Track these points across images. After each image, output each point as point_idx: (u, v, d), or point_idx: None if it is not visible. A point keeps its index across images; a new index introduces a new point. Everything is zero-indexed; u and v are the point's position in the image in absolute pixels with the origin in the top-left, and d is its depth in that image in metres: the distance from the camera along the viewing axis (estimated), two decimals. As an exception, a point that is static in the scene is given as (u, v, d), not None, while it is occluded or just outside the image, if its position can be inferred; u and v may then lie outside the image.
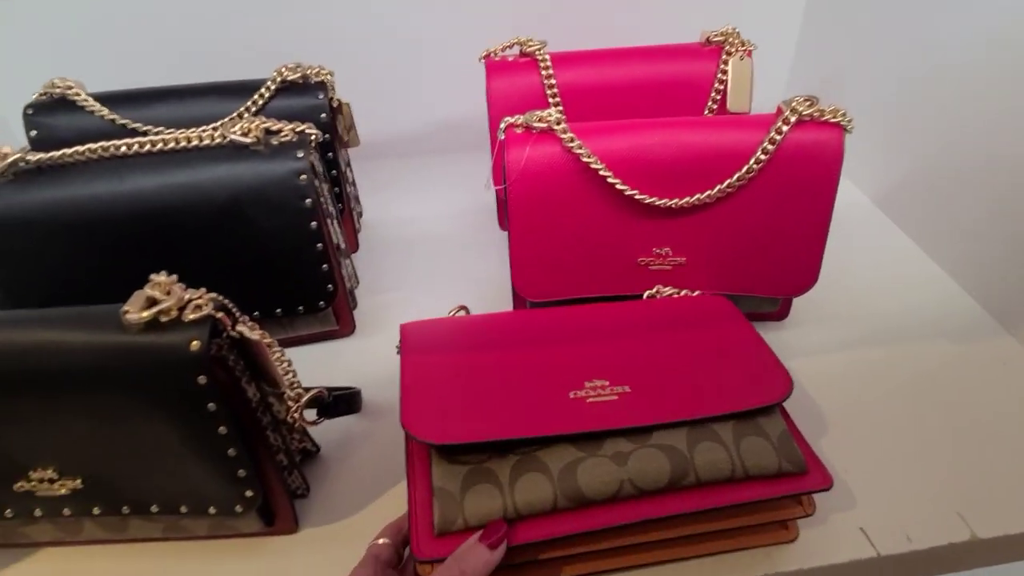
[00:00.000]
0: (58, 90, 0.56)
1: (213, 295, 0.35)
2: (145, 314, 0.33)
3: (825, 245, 0.51)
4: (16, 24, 0.73)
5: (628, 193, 0.49)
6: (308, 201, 0.49)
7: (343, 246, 0.59)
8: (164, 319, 0.33)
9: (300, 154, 0.49)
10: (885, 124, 0.71)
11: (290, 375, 0.42)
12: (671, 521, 0.38)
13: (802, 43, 0.85)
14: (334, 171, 0.61)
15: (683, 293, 0.52)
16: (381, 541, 0.39)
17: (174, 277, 0.35)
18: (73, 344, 0.33)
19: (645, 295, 0.52)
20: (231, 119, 0.55)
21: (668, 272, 0.53)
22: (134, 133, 0.56)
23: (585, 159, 0.48)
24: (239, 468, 0.37)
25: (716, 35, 0.61)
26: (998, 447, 0.47)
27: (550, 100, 0.61)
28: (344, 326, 0.58)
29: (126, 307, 0.33)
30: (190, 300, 0.34)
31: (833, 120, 0.48)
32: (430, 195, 0.79)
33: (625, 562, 0.39)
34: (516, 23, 0.70)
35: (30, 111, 0.56)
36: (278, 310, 0.53)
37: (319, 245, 0.51)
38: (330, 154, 0.60)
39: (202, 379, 0.33)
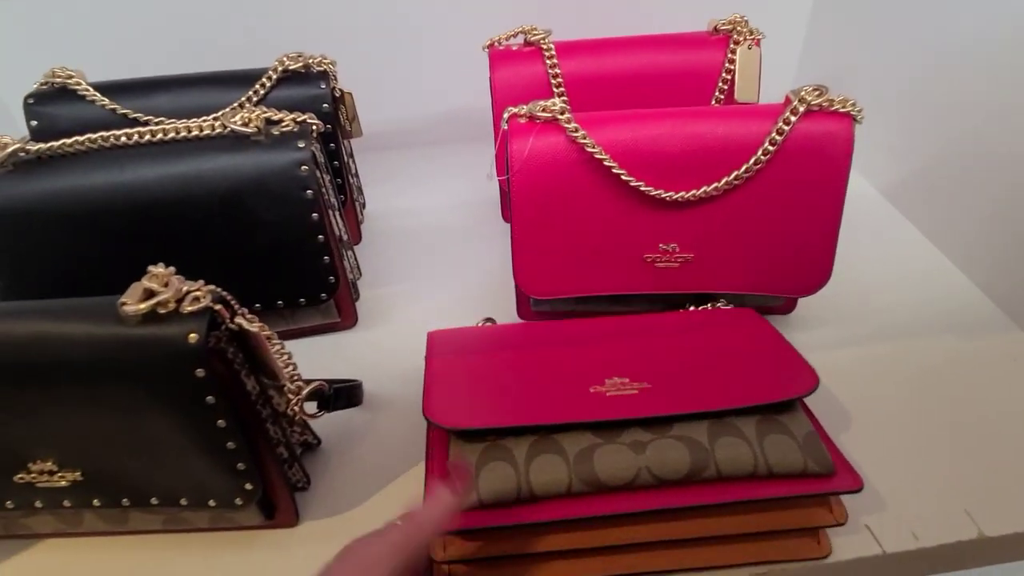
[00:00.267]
0: (59, 80, 0.56)
1: (212, 287, 0.34)
2: (142, 306, 0.32)
3: (837, 240, 0.50)
4: (17, 13, 0.72)
5: (633, 185, 0.48)
6: (309, 192, 0.48)
7: (345, 237, 0.58)
8: (162, 311, 0.33)
9: (301, 144, 0.48)
10: (895, 115, 0.70)
11: (290, 368, 0.41)
12: (691, 516, 0.37)
13: (811, 32, 0.84)
14: (336, 162, 0.61)
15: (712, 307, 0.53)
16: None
17: (172, 269, 0.34)
18: (71, 336, 0.33)
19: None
20: (232, 109, 0.54)
21: (675, 269, 0.52)
22: (135, 123, 0.55)
23: (590, 149, 0.47)
24: (238, 461, 0.37)
25: (724, 24, 0.60)
26: (1008, 444, 0.47)
27: (555, 90, 0.60)
28: (346, 318, 0.58)
29: (123, 299, 0.32)
30: (188, 292, 0.33)
31: (843, 110, 0.47)
32: (434, 186, 0.79)
33: (648, 566, 0.38)
34: (520, 12, 0.69)
35: (31, 101, 0.56)
36: (280, 302, 0.52)
37: (320, 237, 0.50)
38: (332, 145, 0.60)
39: (200, 372, 0.33)
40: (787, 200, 0.49)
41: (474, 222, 0.72)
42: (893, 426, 0.48)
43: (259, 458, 0.39)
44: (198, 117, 0.52)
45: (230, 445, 0.36)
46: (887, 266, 0.64)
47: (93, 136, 0.47)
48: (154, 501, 0.39)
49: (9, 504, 0.39)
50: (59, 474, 0.38)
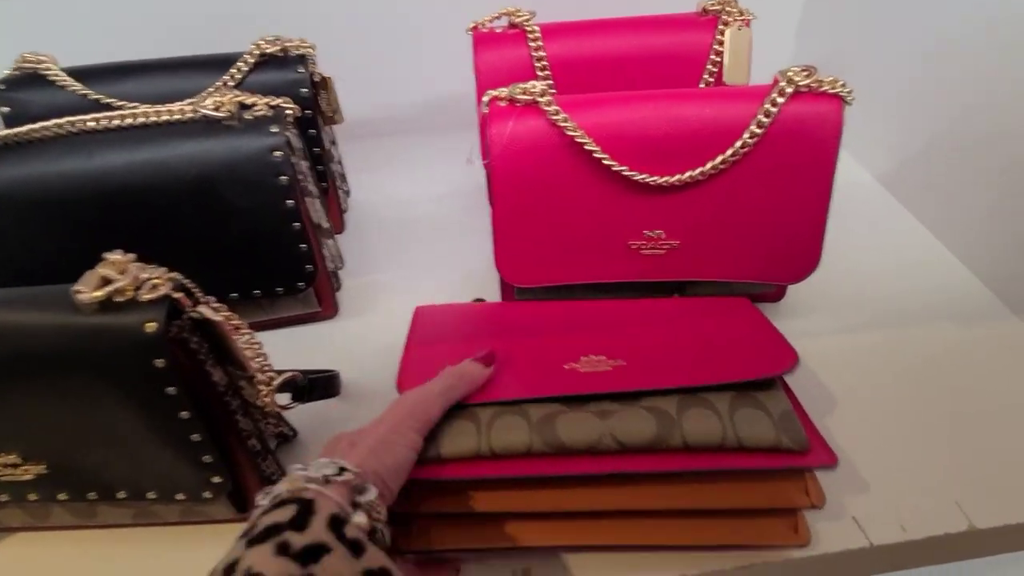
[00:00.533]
0: (29, 65, 0.54)
1: (172, 275, 0.33)
2: (97, 294, 0.31)
3: (826, 226, 0.49)
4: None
5: (616, 169, 0.47)
6: (283, 178, 0.47)
7: (325, 226, 0.57)
8: (119, 299, 0.32)
9: (275, 129, 0.47)
10: (893, 100, 0.68)
11: (261, 358, 0.40)
12: (657, 485, 0.37)
13: (807, 14, 0.82)
14: (317, 148, 0.60)
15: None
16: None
17: (131, 256, 0.33)
18: (27, 326, 0.32)
19: None
20: (206, 93, 0.53)
21: (661, 257, 0.51)
22: (109, 108, 0.54)
23: (571, 133, 0.46)
24: (204, 454, 0.36)
25: (713, 4, 0.58)
26: (1001, 434, 0.45)
27: (539, 73, 0.58)
28: (326, 308, 0.57)
29: (77, 286, 0.31)
30: (147, 280, 0.32)
31: (832, 91, 0.45)
32: (421, 174, 0.77)
33: (616, 538, 0.38)
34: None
35: (2, 87, 0.55)
36: (256, 291, 0.51)
37: (296, 224, 0.49)
38: (312, 131, 0.59)
39: (159, 362, 0.32)
40: (775, 184, 0.47)
41: (461, 210, 0.70)
42: (884, 415, 0.47)
43: (228, 451, 0.38)
44: (172, 102, 0.51)
45: (195, 437, 0.35)
46: (882, 254, 0.62)
47: (60, 121, 0.46)
48: (121, 495, 0.38)
49: (-26, 498, 0.38)
50: (23, 467, 0.37)
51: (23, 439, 0.36)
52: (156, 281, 0.32)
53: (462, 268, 0.63)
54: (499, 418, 0.37)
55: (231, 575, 0.25)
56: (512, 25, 0.59)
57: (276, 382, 0.40)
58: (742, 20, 0.58)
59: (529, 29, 0.58)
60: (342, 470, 0.30)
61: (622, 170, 0.47)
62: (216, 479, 0.37)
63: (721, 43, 0.58)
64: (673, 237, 0.50)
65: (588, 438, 0.36)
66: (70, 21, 0.72)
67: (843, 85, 0.45)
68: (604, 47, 0.59)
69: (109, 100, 0.54)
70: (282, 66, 0.56)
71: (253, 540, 0.26)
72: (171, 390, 0.33)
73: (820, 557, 0.39)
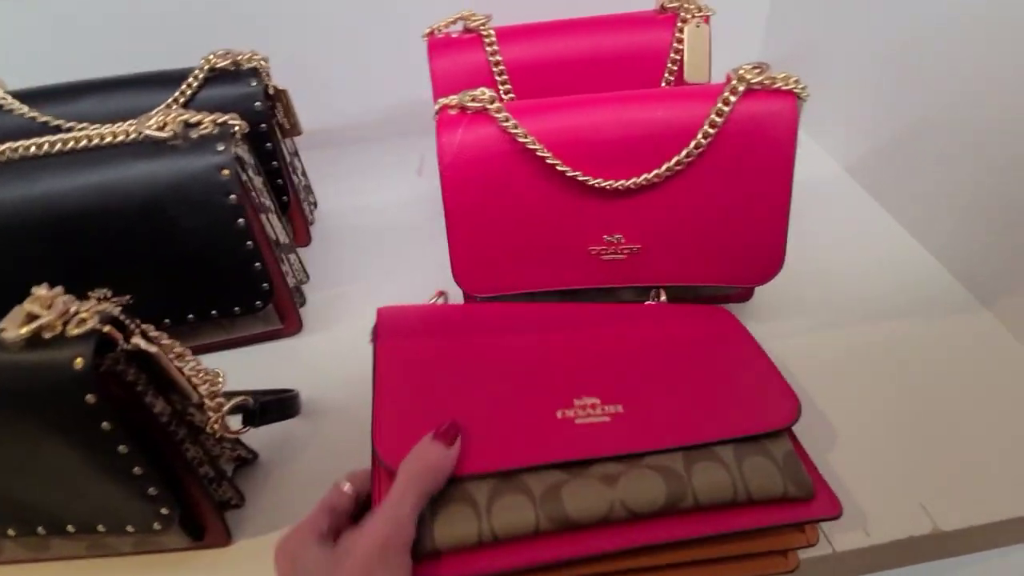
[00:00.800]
0: (-25, 89, 0.54)
1: (102, 307, 0.33)
2: (23, 331, 0.30)
3: (787, 226, 0.48)
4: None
5: (571, 175, 0.46)
6: (233, 197, 0.46)
7: (285, 241, 0.56)
8: (48, 335, 0.31)
9: (221, 147, 0.46)
10: (861, 89, 0.68)
11: (208, 384, 0.40)
12: (668, 547, 0.34)
13: (775, 6, 0.81)
14: (275, 162, 0.59)
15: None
16: (346, 488, 0.35)
17: (58, 289, 0.32)
18: (-46, 364, 0.31)
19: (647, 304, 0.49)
20: (152, 113, 0.52)
21: (623, 261, 0.50)
22: (58, 130, 0.53)
23: (522, 140, 0.45)
24: (148, 486, 0.35)
25: (671, 1, 0.57)
26: (967, 433, 0.45)
27: (497, 78, 0.57)
28: (289, 325, 0.56)
29: (2, 324, 0.31)
30: (75, 313, 0.31)
31: (786, 88, 0.44)
32: (388, 181, 0.76)
33: None
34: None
35: (-52, 113, 0.54)
36: (213, 312, 0.51)
37: (249, 243, 0.48)
38: (269, 144, 0.58)
39: (91, 398, 0.31)
40: (733, 184, 0.47)
41: (429, 216, 0.69)
42: (848, 417, 0.47)
43: (177, 480, 0.38)
44: (123, 121, 0.50)
45: (136, 471, 0.34)
46: (851, 247, 0.61)
47: (1, 147, 0.45)
48: (71, 528, 0.38)
49: (-79, 537, 0.37)
50: (-32, 505, 0.36)
51: (-34, 477, 0.35)
52: (83, 315, 0.31)
53: (432, 276, 0.62)
54: (499, 497, 0.33)
55: None
56: (467, 29, 0.58)
57: (225, 408, 0.40)
58: (701, 16, 0.57)
59: (485, 33, 0.57)
60: None
61: (576, 175, 0.46)
62: (164, 511, 0.36)
63: (681, 40, 0.57)
64: (633, 241, 0.49)
65: (598, 510, 0.33)
66: (15, 44, 0.71)
67: (796, 81, 0.44)
68: (563, 49, 0.58)
69: (58, 122, 0.53)
70: (234, 80, 0.55)
71: None
72: (106, 425, 0.32)
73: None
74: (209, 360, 0.54)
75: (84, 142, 0.46)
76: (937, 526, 0.40)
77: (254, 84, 0.56)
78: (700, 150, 0.45)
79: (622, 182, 0.47)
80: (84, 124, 0.53)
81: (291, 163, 0.64)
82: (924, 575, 0.43)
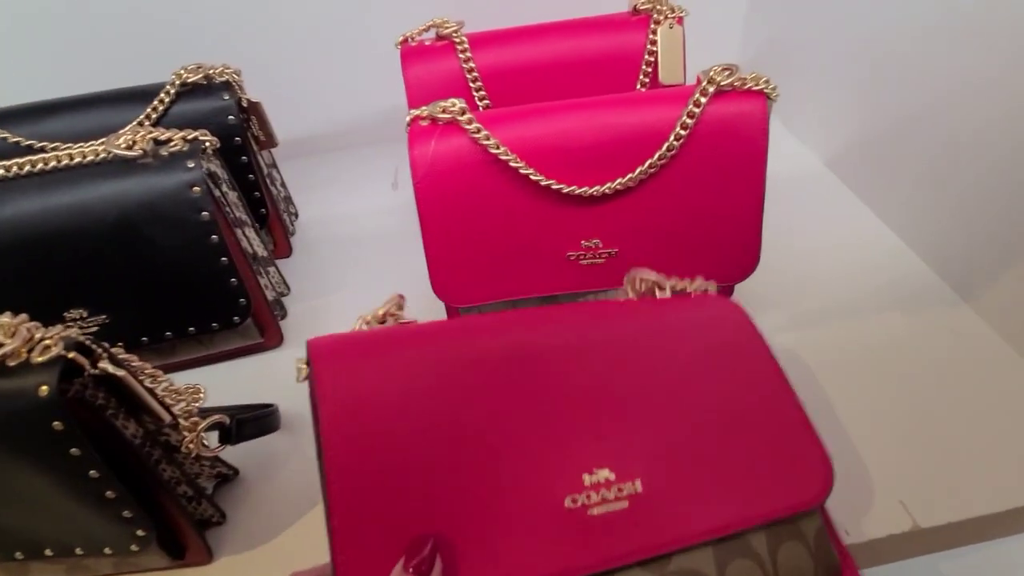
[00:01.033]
0: (-55, 112, 0.53)
1: (67, 333, 0.32)
2: (-13, 360, 0.30)
3: (762, 222, 0.48)
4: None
5: (545, 183, 0.46)
6: (205, 214, 0.46)
7: (263, 254, 0.56)
8: (12, 363, 0.31)
9: (191, 164, 0.46)
10: (839, 85, 0.68)
11: (183, 403, 0.40)
12: None
13: (753, 4, 0.81)
14: (251, 175, 0.58)
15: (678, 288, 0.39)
16: None
17: (23, 316, 0.32)
18: (-80, 395, 0.31)
19: (630, 292, 0.39)
20: (121, 132, 0.51)
21: (601, 265, 0.50)
22: (29, 150, 0.53)
23: (493, 150, 0.45)
24: (123, 509, 0.35)
25: (643, 3, 0.57)
26: (948, 428, 0.45)
27: (471, 85, 0.57)
28: (270, 338, 0.56)
29: (-35, 353, 0.30)
30: (40, 340, 0.31)
31: (756, 88, 0.44)
32: (368, 189, 0.76)
33: None
34: (435, 2, 0.66)
35: (-82, 136, 0.53)
36: (191, 328, 0.50)
37: (224, 259, 0.48)
38: (244, 158, 0.57)
39: (58, 424, 0.31)
40: (706, 185, 0.47)
41: (409, 223, 0.69)
42: (824, 413, 0.47)
43: (153, 501, 0.37)
44: (95, 140, 0.50)
45: (109, 494, 0.34)
46: (830, 241, 0.61)
47: (-31, 171, 0.45)
48: (48, 552, 0.38)
49: None
50: (-57, 533, 0.36)
51: (-61, 505, 0.35)
52: (48, 342, 0.31)
53: (414, 284, 0.61)
54: None
55: None
56: (440, 37, 0.58)
57: (200, 427, 0.39)
58: (674, 17, 0.56)
59: (457, 40, 0.57)
60: None
61: (550, 184, 0.46)
62: (140, 532, 0.36)
63: (654, 42, 0.57)
64: (611, 245, 0.49)
65: None
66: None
67: (767, 82, 0.44)
68: (536, 53, 0.58)
69: (29, 142, 0.53)
70: (207, 94, 0.55)
71: None
72: (75, 451, 0.32)
73: (763, 568, 0.39)
74: (190, 376, 0.54)
75: (53, 163, 0.45)
76: (917, 523, 0.40)
77: (227, 97, 0.55)
78: (672, 152, 0.45)
79: (596, 188, 0.47)
80: (56, 144, 0.53)
81: (268, 175, 0.64)
82: (905, 573, 0.43)
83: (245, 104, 0.57)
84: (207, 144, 0.47)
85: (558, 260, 0.50)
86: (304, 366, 0.31)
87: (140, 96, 0.55)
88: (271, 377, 0.55)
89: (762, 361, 0.36)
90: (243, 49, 0.70)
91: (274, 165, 0.66)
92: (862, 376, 0.49)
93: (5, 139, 0.53)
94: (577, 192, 0.47)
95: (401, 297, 0.36)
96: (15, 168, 0.45)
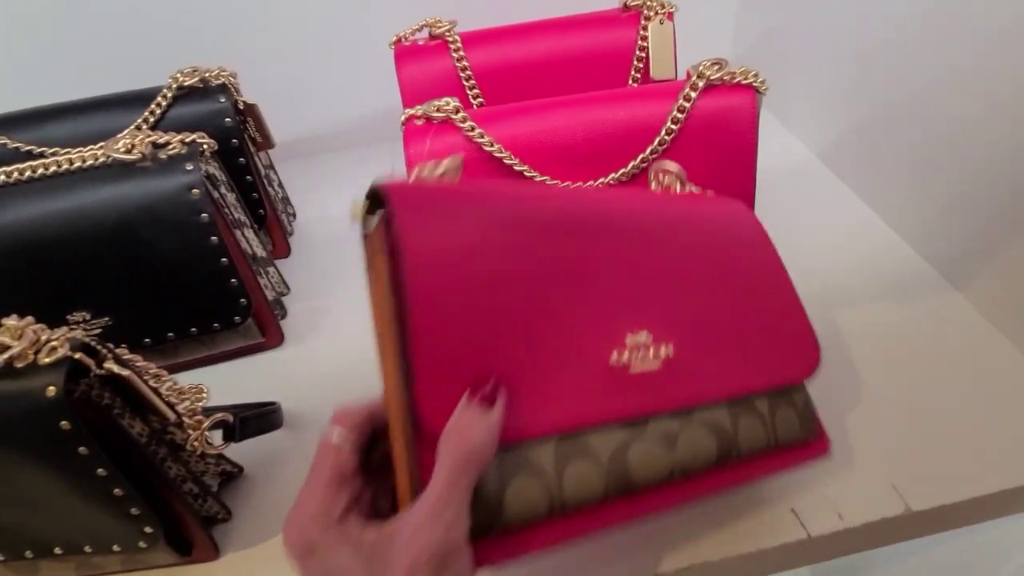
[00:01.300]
0: (-57, 119, 0.54)
1: (73, 334, 0.33)
2: (-5, 362, 0.31)
3: (753, 211, 0.49)
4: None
5: (539, 180, 0.47)
6: (204, 216, 0.47)
7: (262, 254, 0.57)
8: (20, 364, 0.32)
9: (189, 167, 0.46)
10: (831, 77, 0.68)
11: (187, 402, 0.40)
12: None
13: (743, 0, 0.82)
14: (249, 177, 0.59)
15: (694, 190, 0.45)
16: (337, 440, 0.29)
17: (29, 319, 0.33)
18: (-71, 397, 0.32)
19: (652, 184, 0.45)
20: (120, 136, 0.52)
21: None
22: (28, 156, 0.53)
23: (488, 148, 0.46)
24: (130, 506, 0.36)
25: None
26: (939, 413, 0.46)
27: (464, 83, 0.58)
28: (271, 338, 0.56)
29: (-27, 356, 0.31)
30: (46, 342, 0.32)
31: (745, 82, 0.45)
32: (366, 189, 0.76)
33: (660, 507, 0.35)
34: (429, 2, 0.66)
35: (-83, 144, 0.54)
36: (193, 329, 0.51)
37: (224, 259, 0.49)
38: (242, 159, 0.58)
39: (65, 424, 0.32)
40: (697, 179, 0.47)
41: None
42: (816, 398, 0.47)
43: (160, 499, 0.38)
44: (93, 145, 0.50)
45: (117, 492, 0.35)
46: (822, 231, 0.62)
47: (-31, 178, 0.45)
48: (58, 551, 0.38)
49: (-91, 566, 0.38)
50: (-46, 533, 0.37)
51: (-54, 506, 0.36)
52: (54, 343, 0.32)
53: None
54: (568, 464, 0.31)
55: None
56: (433, 36, 0.59)
57: (205, 425, 0.40)
58: (664, 13, 0.57)
59: (450, 39, 0.58)
60: None
61: (544, 180, 0.47)
62: (148, 529, 0.37)
63: (645, 38, 0.57)
64: None
65: (660, 475, 0.33)
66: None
67: (756, 75, 0.45)
68: (529, 52, 0.58)
69: (29, 147, 0.54)
70: (203, 97, 0.56)
71: None
72: (83, 450, 0.33)
73: (758, 553, 0.39)
74: (192, 376, 0.55)
75: (53, 168, 0.46)
76: (909, 507, 0.40)
77: (223, 100, 0.56)
78: (664, 147, 0.46)
79: (589, 183, 0.47)
80: (55, 149, 0.54)
81: (266, 176, 0.64)
82: (898, 555, 0.44)
83: (241, 106, 0.58)
84: (205, 146, 0.48)
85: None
86: (360, 209, 0.31)
87: (137, 100, 0.56)
88: (273, 376, 0.55)
89: (769, 254, 0.42)
90: (240, 51, 0.71)
91: (271, 166, 0.67)
92: (854, 364, 0.50)
93: (5, 145, 0.53)
94: (569, 187, 0.47)
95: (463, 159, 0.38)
96: (15, 174, 0.46)
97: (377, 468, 0.31)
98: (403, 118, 0.47)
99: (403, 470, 0.29)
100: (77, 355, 0.32)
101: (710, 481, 0.35)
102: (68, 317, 0.48)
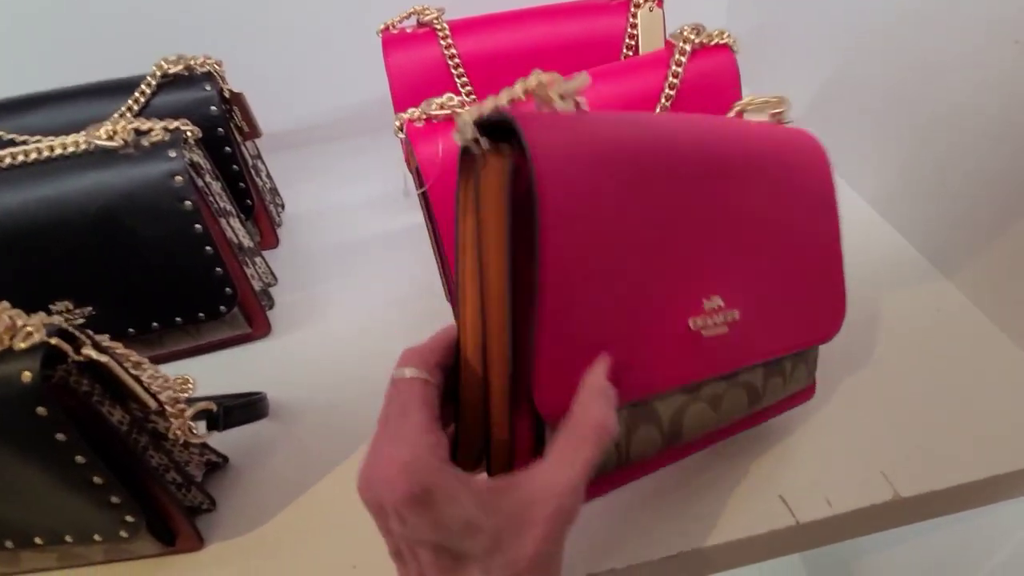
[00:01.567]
0: (-76, 107, 0.53)
1: (51, 319, 0.32)
2: (-32, 348, 0.30)
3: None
4: None
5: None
6: (188, 203, 0.46)
7: (248, 244, 0.56)
8: (-5, 350, 0.31)
9: (173, 154, 0.46)
10: (821, 65, 0.68)
11: (170, 390, 0.40)
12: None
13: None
14: (235, 166, 0.58)
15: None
16: (420, 375, 0.27)
17: (4, 304, 0.32)
18: (-97, 384, 0.31)
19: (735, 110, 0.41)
20: (101, 123, 0.51)
21: None
22: (11, 144, 0.52)
23: (501, 138, 0.45)
24: (110, 495, 0.35)
25: (623, -14, 0.57)
26: (928, 400, 0.46)
27: (453, 71, 0.57)
28: (258, 328, 0.56)
29: (-52, 341, 0.30)
30: (22, 327, 0.31)
31: (722, 42, 0.47)
32: (353, 180, 0.76)
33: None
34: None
35: (-101, 132, 0.53)
36: (178, 319, 0.50)
37: (208, 248, 0.48)
38: (228, 148, 0.57)
39: (42, 410, 0.31)
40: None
41: (395, 214, 0.70)
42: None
43: (142, 487, 0.38)
44: (76, 133, 0.50)
45: (96, 480, 0.34)
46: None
47: (-51, 165, 0.44)
48: (38, 541, 0.38)
49: None
50: (-68, 523, 0.36)
51: (-73, 496, 0.35)
52: (30, 328, 0.31)
53: (400, 273, 0.62)
54: (635, 429, 0.32)
55: None
56: (421, 24, 0.58)
57: (187, 414, 0.40)
58: (654, 1, 0.57)
59: (438, 27, 0.57)
60: None
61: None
62: (129, 518, 0.37)
63: (635, 26, 0.57)
64: None
65: (702, 431, 0.36)
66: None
67: (728, 35, 0.46)
68: (517, 39, 0.58)
69: (11, 136, 0.53)
70: (188, 85, 0.55)
71: None
72: (61, 436, 0.32)
73: (747, 540, 0.39)
74: (179, 367, 0.55)
75: (34, 155, 0.45)
76: (897, 493, 0.40)
77: (208, 88, 0.55)
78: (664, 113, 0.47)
79: None
80: (38, 137, 0.53)
81: (253, 166, 0.64)
82: (888, 544, 0.44)
83: (227, 95, 0.57)
84: (188, 134, 0.47)
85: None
86: (468, 128, 0.26)
87: (121, 88, 0.55)
88: (260, 366, 0.55)
89: (832, 212, 0.40)
90: (226, 40, 0.70)
91: (259, 156, 0.66)
92: (843, 351, 0.49)
93: (-13, 133, 0.53)
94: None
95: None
96: (-4, 161, 0.45)
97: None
98: (398, 123, 0.46)
99: (502, 431, 0.28)
100: (53, 340, 0.32)
101: (729, 431, 0.38)
102: (50, 307, 0.48)
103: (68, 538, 0.38)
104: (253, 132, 0.60)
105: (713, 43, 0.47)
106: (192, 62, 0.55)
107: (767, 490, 0.41)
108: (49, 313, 0.47)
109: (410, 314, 0.57)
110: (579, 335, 0.27)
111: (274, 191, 0.69)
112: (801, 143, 0.40)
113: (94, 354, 0.33)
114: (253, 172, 0.63)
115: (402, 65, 0.57)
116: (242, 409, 0.44)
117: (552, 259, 0.26)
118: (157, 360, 0.50)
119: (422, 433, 0.25)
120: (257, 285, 0.56)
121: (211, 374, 0.46)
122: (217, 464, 0.46)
